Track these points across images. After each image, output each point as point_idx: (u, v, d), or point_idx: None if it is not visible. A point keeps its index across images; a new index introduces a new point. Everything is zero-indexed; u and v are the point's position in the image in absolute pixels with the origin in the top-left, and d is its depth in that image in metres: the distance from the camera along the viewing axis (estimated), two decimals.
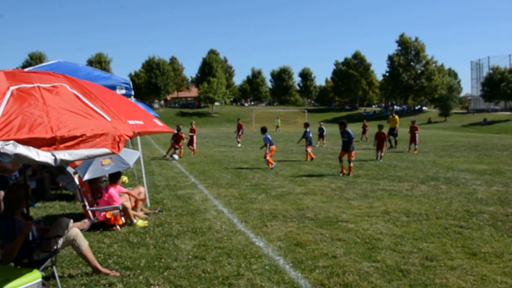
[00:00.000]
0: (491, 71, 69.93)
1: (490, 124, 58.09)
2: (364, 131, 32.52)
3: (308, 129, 18.96)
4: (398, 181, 12.82)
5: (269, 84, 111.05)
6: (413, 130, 22.41)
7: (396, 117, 25.54)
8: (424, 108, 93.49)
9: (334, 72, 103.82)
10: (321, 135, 27.20)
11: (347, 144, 14.15)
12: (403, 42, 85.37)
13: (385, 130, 19.41)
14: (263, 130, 16.25)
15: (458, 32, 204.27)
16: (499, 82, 65.21)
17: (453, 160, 18.31)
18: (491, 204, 9.67)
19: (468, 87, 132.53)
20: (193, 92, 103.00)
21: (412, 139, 22.42)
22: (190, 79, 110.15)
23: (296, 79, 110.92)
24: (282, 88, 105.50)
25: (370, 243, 6.81)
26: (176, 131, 19.09)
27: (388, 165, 16.78)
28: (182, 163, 18.08)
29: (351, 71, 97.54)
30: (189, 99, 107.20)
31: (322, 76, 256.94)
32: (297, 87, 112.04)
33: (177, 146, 19.57)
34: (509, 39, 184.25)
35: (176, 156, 19.20)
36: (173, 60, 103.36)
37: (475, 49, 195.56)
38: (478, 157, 19.79)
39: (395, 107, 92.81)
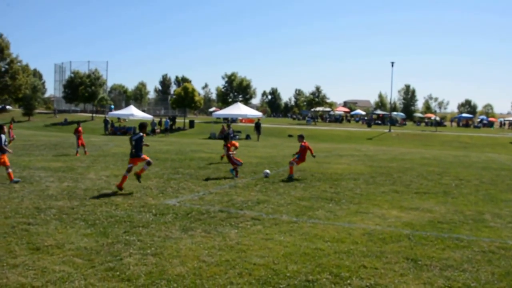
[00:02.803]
0: (72, 75, 73.21)
1: (71, 124, 60.56)
2: None
3: None
4: None
5: None
6: None
7: None
8: (8, 107, 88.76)
9: None
10: None
11: None
12: None
13: None
14: None
15: (44, 35, 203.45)
16: (79, 85, 69.33)
17: (31, 159, 17.94)
18: (60, 199, 10.04)
19: (52, 88, 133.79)
20: None
21: None
22: None
23: None
24: None
25: None
26: None
27: None
28: None
29: None
30: None
31: None
32: None
33: None
34: (89, 46, 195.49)
35: None
36: None
37: (59, 52, 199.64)
38: (56, 155, 20.02)
39: None
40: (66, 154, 20.59)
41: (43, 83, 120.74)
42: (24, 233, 7.17)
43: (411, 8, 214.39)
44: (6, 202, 9.52)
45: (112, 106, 76.73)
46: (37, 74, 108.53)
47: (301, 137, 15.32)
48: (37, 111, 77.41)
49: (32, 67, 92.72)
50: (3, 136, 13.07)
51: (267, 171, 14.74)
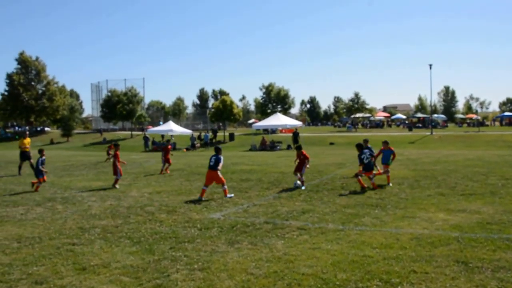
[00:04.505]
0: (109, 94, 74.48)
1: (109, 142, 61.57)
2: None
3: None
4: (13, 206, 11.90)
5: None
6: None
7: (27, 139, 22.48)
8: (46, 128, 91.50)
9: None
10: None
11: None
12: (23, 61, 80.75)
13: None
14: None
15: (79, 55, 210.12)
16: (116, 104, 70.33)
17: (72, 179, 18.33)
18: (103, 218, 10.21)
19: (90, 108, 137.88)
20: None
21: None
22: None
23: None
24: None
25: None
26: None
27: (3, 189, 15.39)
28: None
29: None
30: None
31: None
32: None
33: None
34: (125, 66, 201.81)
35: None
36: None
37: (95, 72, 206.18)
38: (96, 174, 20.48)
39: (17, 128, 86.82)
40: (106, 173, 20.95)
41: (81, 103, 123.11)
42: (69, 253, 7.25)
43: (445, 13, 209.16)
44: (50, 223, 9.67)
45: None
46: (74, 95, 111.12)
47: (385, 143, 15.42)
48: (75, 131, 79.11)
49: (68, 88, 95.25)
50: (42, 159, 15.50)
51: (298, 181, 14.63)
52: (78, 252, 7.34)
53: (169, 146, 22.19)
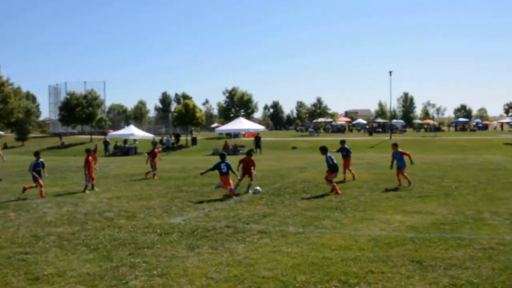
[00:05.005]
0: (68, 96, 72.23)
1: (68, 147, 60.12)
2: None
3: None
4: None
5: None
6: None
7: None
8: (0, 132, 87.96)
9: None
10: None
11: None
12: None
13: None
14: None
15: (37, 57, 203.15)
16: (76, 107, 68.22)
17: (18, 186, 17.41)
18: (59, 225, 9.91)
19: (47, 111, 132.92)
20: None
21: None
22: None
23: None
24: None
25: None
26: None
27: None
28: None
29: None
30: None
31: None
32: None
33: None
34: (85, 67, 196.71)
35: None
36: None
37: (54, 74, 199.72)
38: (53, 180, 19.65)
39: None
40: (64, 178, 20.45)
41: (37, 105, 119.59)
42: (21, 263, 6.95)
43: (402, 13, 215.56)
44: (1, 231, 9.26)
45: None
46: (30, 97, 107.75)
47: (395, 145, 15.66)
48: (31, 135, 76.27)
49: (24, 89, 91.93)
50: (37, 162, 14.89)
51: (258, 188, 14.60)
52: (31, 261, 7.07)
53: (156, 150, 21.44)
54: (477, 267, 6.30)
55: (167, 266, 6.73)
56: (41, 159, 15.22)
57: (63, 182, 18.65)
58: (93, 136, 71.20)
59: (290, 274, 6.21)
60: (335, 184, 13.98)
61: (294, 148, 47.84)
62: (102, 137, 62.53)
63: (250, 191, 14.31)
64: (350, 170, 17.11)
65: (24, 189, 14.57)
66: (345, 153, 17.28)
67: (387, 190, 14.15)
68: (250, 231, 8.88)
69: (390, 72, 58.79)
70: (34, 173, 14.70)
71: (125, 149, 49.70)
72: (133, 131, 51.85)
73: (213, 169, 14.16)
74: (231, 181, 14.02)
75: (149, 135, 54.69)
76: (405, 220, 9.61)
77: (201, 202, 12.78)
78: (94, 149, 20.83)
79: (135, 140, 53.35)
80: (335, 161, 14.17)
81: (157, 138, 54.58)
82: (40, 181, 14.69)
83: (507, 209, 10.59)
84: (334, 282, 5.84)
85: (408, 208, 10.99)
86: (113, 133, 57.92)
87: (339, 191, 13.66)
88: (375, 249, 7.32)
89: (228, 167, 14.06)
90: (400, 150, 15.38)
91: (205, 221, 10.07)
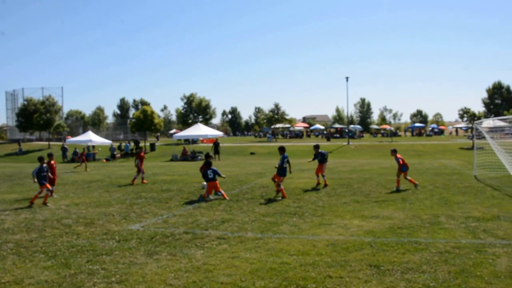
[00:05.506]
0: (25, 102, 70.51)
1: (26, 153, 58.33)
2: None
3: None
4: None
5: None
6: None
7: None
8: None
9: None
10: None
11: None
12: None
13: None
14: None
15: None
16: (33, 113, 66.79)
17: None
18: (17, 232, 9.70)
19: (4, 117, 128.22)
20: None
21: None
22: None
23: None
24: None
25: None
26: None
27: None
28: None
29: None
30: None
31: None
32: None
33: None
34: (42, 73, 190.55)
35: None
36: None
37: (11, 80, 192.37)
38: (11, 186, 19.33)
39: None
40: (22, 185, 19.94)
41: None
42: None
43: (354, 14, 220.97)
44: None
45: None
46: None
47: (394, 151, 15.99)
48: None
49: None
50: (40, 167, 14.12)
51: (204, 183, 14.71)
52: None
53: (142, 153, 20.69)
54: (433, 270, 6.39)
55: (126, 272, 6.62)
56: (45, 164, 14.47)
57: (21, 189, 18.24)
58: (51, 143, 69.82)
59: (248, 279, 6.15)
60: (282, 188, 14.13)
61: (252, 153, 47.96)
62: (60, 143, 60.96)
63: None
64: (323, 176, 16.88)
65: (31, 203, 13.75)
66: (321, 158, 17.15)
67: (344, 195, 14.31)
68: (209, 237, 8.78)
69: (347, 78, 59.84)
70: (38, 179, 13.93)
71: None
72: (91, 137, 50.59)
73: (203, 176, 14.47)
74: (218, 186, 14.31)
75: (107, 141, 53.43)
76: (362, 224, 9.72)
77: (159, 208, 12.57)
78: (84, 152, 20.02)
79: (93, 146, 52.03)
80: (285, 165, 14.31)
81: (115, 144, 53.47)
82: (48, 185, 14.04)
83: (462, 213, 10.87)
84: (293, 287, 5.80)
85: (365, 212, 11.13)
86: (71, 139, 56.45)
87: (286, 195, 13.94)
88: (333, 254, 7.34)
89: (215, 173, 14.31)
90: (398, 155, 15.79)
91: (164, 227, 9.91)
